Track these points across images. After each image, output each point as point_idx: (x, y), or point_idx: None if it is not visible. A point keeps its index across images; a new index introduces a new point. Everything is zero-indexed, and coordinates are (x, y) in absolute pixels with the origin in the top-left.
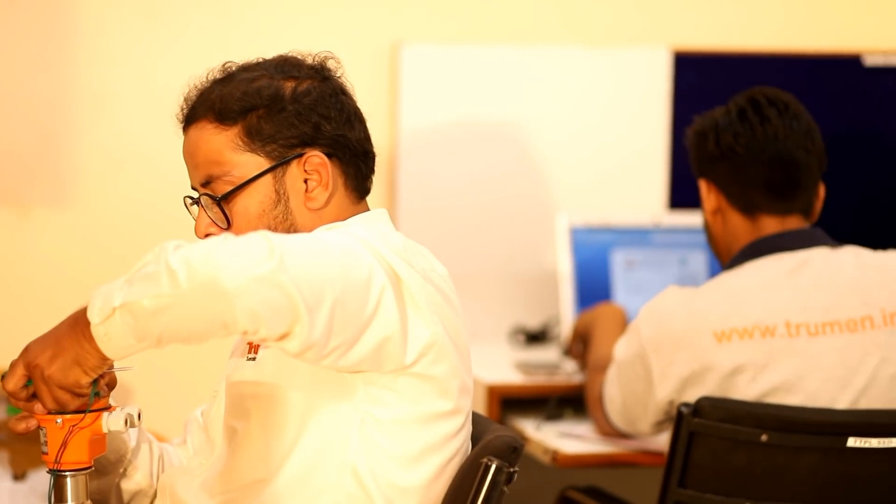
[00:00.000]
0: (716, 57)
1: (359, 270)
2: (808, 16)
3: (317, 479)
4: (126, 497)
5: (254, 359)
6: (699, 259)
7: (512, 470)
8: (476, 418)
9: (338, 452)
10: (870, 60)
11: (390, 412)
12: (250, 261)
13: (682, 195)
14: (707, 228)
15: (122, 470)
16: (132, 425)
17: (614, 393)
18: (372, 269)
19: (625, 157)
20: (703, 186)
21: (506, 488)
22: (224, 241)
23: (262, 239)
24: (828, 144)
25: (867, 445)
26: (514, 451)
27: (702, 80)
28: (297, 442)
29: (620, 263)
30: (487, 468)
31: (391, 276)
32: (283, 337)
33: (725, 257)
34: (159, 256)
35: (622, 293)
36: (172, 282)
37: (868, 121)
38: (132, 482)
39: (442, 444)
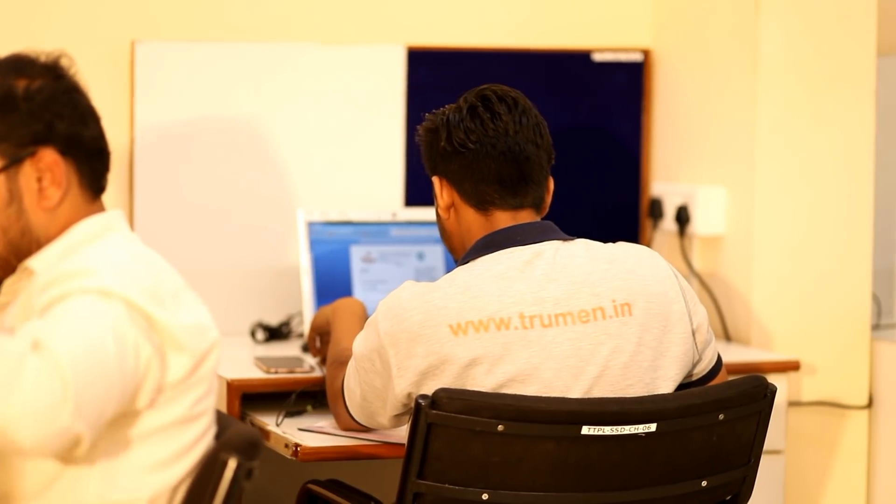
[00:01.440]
0: (449, 53)
1: (127, 356)
2: (539, 15)
3: (57, 492)
4: None
5: None
6: (436, 253)
7: (251, 465)
8: (217, 416)
9: (82, 465)
10: (598, 57)
11: (138, 423)
12: (45, 415)
13: (418, 191)
14: (440, 224)
15: None
16: None
17: (354, 387)
18: (137, 346)
19: (363, 153)
20: (437, 183)
21: (246, 484)
22: (17, 379)
23: (57, 374)
24: (560, 138)
25: (600, 433)
26: (252, 446)
27: (436, 77)
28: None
29: (359, 258)
30: (226, 464)
31: (146, 320)
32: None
33: (459, 252)
34: None
35: (361, 288)
36: None
37: (597, 114)
38: None
39: (190, 448)
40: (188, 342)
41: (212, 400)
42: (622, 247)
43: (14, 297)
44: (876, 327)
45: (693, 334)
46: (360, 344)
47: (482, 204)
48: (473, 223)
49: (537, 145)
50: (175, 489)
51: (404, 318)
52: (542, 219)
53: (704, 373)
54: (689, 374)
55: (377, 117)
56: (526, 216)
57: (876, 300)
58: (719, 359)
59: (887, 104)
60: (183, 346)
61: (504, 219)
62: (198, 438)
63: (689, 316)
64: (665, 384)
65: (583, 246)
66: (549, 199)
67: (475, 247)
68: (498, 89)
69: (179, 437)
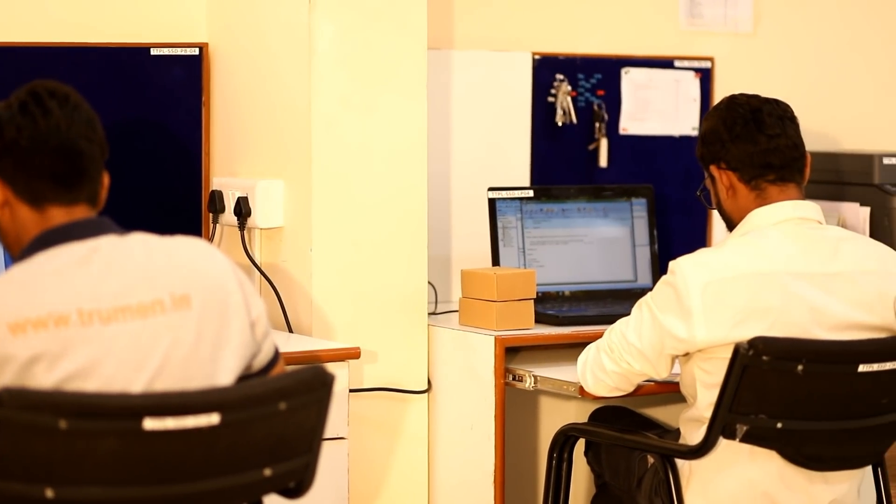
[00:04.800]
0: (6, 49)
1: None
2: (97, 11)
3: None
4: None
5: None
6: None
7: None
8: None
9: None
10: (155, 52)
11: None
12: None
13: None
14: None
15: None
16: None
17: None
18: None
19: None
20: None
21: None
22: None
23: None
24: (121, 133)
25: (163, 426)
26: None
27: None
28: None
29: None
30: None
31: None
32: None
33: (16, 250)
34: None
35: None
36: None
37: (158, 109)
38: None
39: None
40: None
41: None
42: (179, 240)
43: None
44: (433, 314)
45: (252, 327)
46: None
47: (36, 201)
48: (28, 220)
49: (90, 140)
50: None
51: None
52: (99, 213)
53: (263, 365)
54: (249, 367)
55: None
56: (81, 212)
57: (432, 287)
58: (277, 351)
59: (437, 97)
60: None
61: (59, 215)
62: None
63: (248, 308)
64: (225, 376)
65: (140, 240)
66: (104, 193)
67: (31, 244)
68: (49, 85)
69: None
